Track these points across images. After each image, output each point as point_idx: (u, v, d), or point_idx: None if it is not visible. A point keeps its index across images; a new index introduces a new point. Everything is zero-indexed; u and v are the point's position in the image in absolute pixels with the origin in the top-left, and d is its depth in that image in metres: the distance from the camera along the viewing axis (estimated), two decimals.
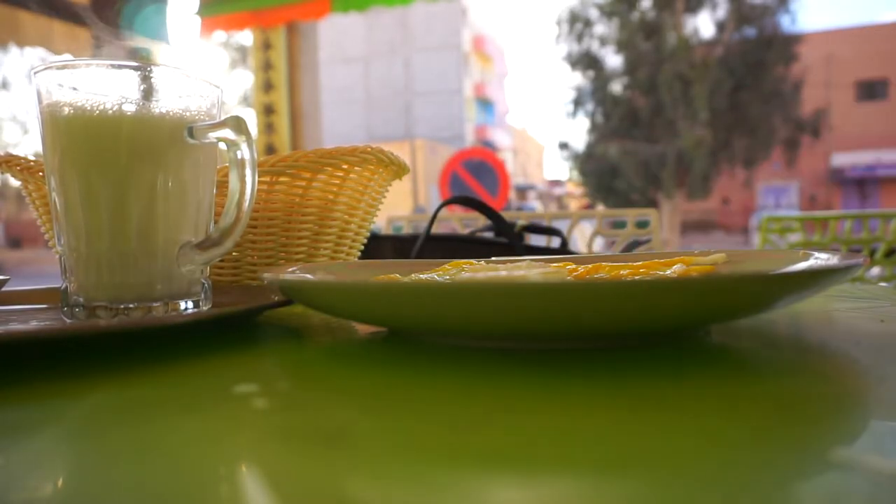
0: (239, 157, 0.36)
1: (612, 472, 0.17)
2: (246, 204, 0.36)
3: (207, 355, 0.32)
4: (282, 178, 0.51)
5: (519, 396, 0.24)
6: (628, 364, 0.28)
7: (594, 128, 15.37)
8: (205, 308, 0.39)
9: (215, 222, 0.40)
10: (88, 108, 0.35)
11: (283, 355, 0.34)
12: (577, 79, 15.83)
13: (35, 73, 0.37)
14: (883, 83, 18.94)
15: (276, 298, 0.40)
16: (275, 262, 0.53)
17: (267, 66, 4.46)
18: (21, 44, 2.74)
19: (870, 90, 19.19)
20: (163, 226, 0.37)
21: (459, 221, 1.41)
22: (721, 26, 14.36)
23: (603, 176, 14.81)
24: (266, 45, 4.45)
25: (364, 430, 0.21)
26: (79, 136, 0.36)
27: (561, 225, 1.24)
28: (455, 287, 0.27)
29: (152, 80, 0.37)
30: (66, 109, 0.36)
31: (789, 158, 14.91)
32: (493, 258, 0.49)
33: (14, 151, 0.54)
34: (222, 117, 0.38)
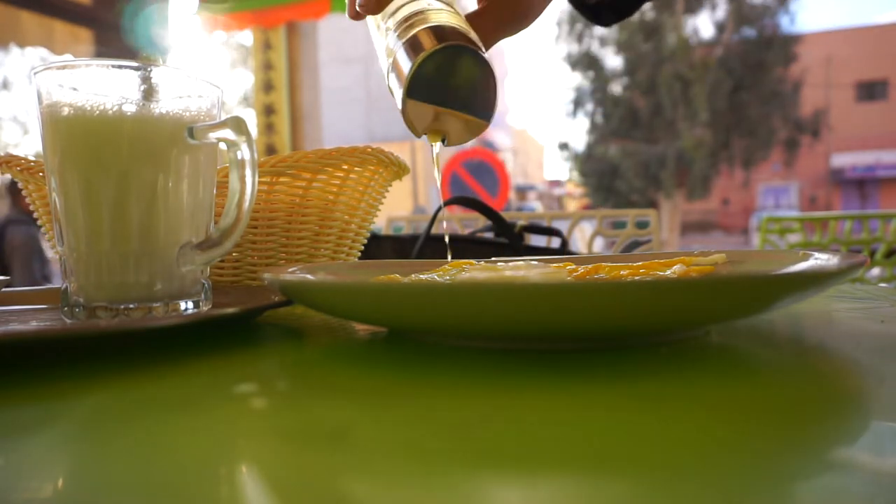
0: (239, 157, 0.36)
1: (611, 472, 0.17)
2: (246, 204, 0.36)
3: (207, 355, 0.32)
4: (282, 179, 0.51)
5: (519, 396, 0.24)
6: (628, 364, 0.28)
7: (594, 128, 15.36)
8: (205, 308, 0.39)
9: (215, 223, 0.40)
10: (88, 108, 0.35)
11: (283, 355, 0.34)
12: (577, 79, 15.80)
13: (35, 73, 0.37)
14: (883, 84, 18.94)
15: (276, 298, 0.40)
16: (275, 263, 0.53)
17: (267, 67, 4.46)
18: (22, 44, 2.74)
19: (870, 91, 19.19)
20: (163, 226, 0.37)
21: (459, 222, 1.41)
22: (721, 27, 14.35)
23: (603, 176, 14.81)
24: (266, 46, 4.45)
25: (364, 430, 0.21)
26: (79, 137, 0.36)
27: (561, 225, 1.24)
28: (455, 287, 0.27)
29: (152, 80, 0.37)
30: (66, 110, 0.36)
31: (789, 159, 14.90)
32: (494, 258, 0.49)
33: (14, 151, 0.54)
34: (223, 117, 0.38)
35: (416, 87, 0.37)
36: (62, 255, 0.38)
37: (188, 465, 0.18)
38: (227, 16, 3.93)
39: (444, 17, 0.39)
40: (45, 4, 2.76)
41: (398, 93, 0.38)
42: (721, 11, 14.55)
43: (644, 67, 13.96)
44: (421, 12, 0.39)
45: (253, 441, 0.20)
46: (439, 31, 0.37)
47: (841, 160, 19.12)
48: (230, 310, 0.36)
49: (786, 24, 14.70)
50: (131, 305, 0.36)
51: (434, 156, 0.42)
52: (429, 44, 0.37)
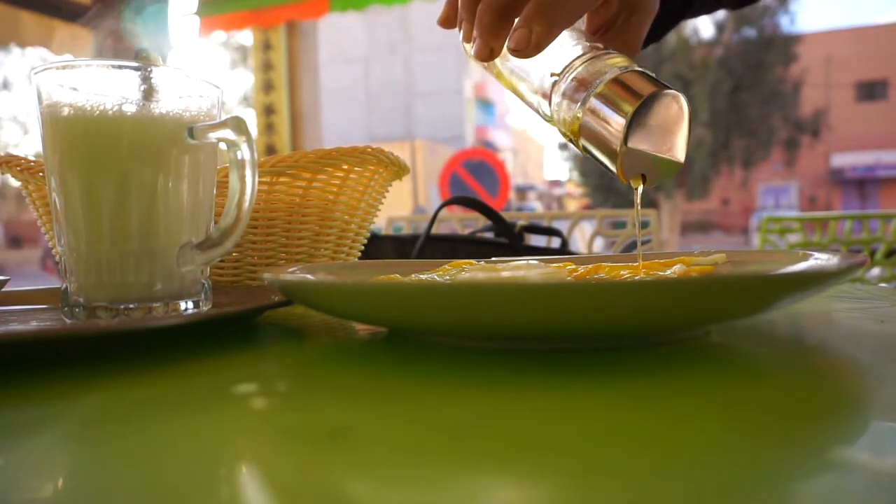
0: (239, 157, 0.36)
1: (611, 472, 0.17)
2: (246, 204, 0.36)
3: (207, 355, 0.32)
4: (282, 179, 0.51)
5: (519, 396, 0.24)
6: (628, 364, 0.28)
7: None
8: (205, 308, 0.39)
9: (215, 223, 0.40)
10: (88, 108, 0.35)
11: (283, 355, 0.34)
12: None
13: (35, 73, 0.37)
14: (883, 84, 18.93)
15: (276, 298, 0.40)
16: (275, 263, 0.53)
17: (267, 67, 4.47)
18: (22, 44, 2.75)
19: (870, 91, 19.19)
20: (163, 226, 0.37)
21: (459, 222, 1.41)
22: (720, 27, 14.34)
23: (603, 176, 14.79)
24: (266, 46, 4.45)
25: (364, 430, 0.21)
26: (79, 137, 0.36)
27: (561, 225, 1.24)
28: (455, 287, 0.27)
29: (152, 80, 0.37)
30: (67, 110, 0.36)
31: (789, 159, 14.90)
32: (493, 258, 0.49)
33: (14, 151, 0.54)
34: (223, 118, 0.38)
35: (632, 137, 0.38)
36: (62, 255, 0.38)
37: (188, 465, 0.18)
38: (227, 15, 3.94)
39: (620, 61, 0.40)
40: (45, 4, 2.77)
41: (610, 143, 0.38)
42: (721, 11, 14.53)
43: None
44: (594, 58, 0.40)
45: (253, 441, 0.20)
46: (634, 78, 0.39)
47: (841, 160, 19.12)
48: (230, 310, 0.36)
49: (786, 24, 14.69)
50: (131, 305, 0.36)
51: (638, 197, 0.43)
52: (633, 92, 0.38)
